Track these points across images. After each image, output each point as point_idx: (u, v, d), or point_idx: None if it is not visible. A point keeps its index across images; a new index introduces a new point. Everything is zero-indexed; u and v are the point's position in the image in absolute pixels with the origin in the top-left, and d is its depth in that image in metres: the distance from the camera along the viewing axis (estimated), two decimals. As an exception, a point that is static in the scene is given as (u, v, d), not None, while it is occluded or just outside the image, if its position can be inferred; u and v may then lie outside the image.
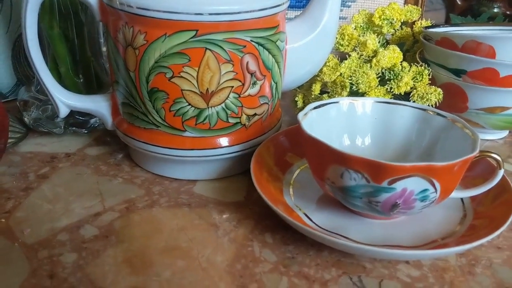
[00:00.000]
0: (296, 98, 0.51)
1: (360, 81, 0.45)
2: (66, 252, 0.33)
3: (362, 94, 0.46)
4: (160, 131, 0.39)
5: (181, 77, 0.36)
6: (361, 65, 0.46)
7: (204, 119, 0.38)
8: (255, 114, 0.40)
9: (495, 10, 0.86)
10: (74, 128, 0.48)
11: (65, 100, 0.41)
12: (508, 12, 0.87)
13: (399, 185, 0.30)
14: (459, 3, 0.89)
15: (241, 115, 0.39)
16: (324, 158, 0.32)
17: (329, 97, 0.47)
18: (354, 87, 0.45)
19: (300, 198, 0.38)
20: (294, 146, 0.42)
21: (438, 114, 0.38)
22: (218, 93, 0.37)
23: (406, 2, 0.65)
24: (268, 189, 0.37)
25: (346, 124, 0.40)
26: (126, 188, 0.40)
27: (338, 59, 0.47)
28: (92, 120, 0.49)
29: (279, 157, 0.41)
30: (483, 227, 0.33)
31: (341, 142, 0.40)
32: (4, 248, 0.33)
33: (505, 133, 0.53)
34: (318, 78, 0.48)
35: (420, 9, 0.53)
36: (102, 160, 0.45)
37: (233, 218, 0.37)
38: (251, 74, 0.38)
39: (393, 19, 0.51)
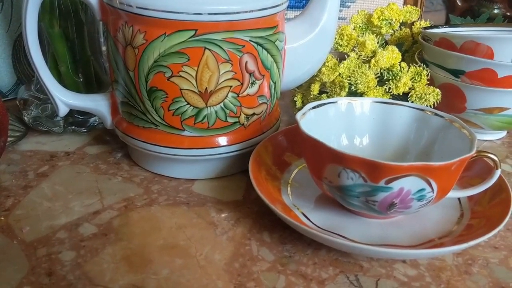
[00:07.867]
0: (295, 98, 0.51)
1: (359, 81, 0.45)
2: (65, 250, 0.33)
3: (361, 94, 0.46)
4: (159, 130, 0.39)
5: (180, 76, 0.36)
6: (360, 65, 0.46)
7: (203, 119, 0.38)
8: (253, 114, 0.40)
9: (496, 11, 0.86)
10: (73, 127, 0.48)
11: (65, 99, 0.41)
12: (508, 13, 0.87)
13: (396, 185, 0.30)
14: (459, 4, 0.90)
15: (240, 114, 0.39)
16: (321, 157, 0.32)
17: (328, 97, 0.47)
18: (352, 87, 0.46)
19: (298, 197, 0.38)
20: (292, 146, 0.43)
21: (436, 114, 0.38)
22: (217, 93, 0.37)
23: (405, 3, 0.65)
24: (267, 188, 0.37)
25: (344, 124, 0.40)
26: (125, 187, 0.41)
27: (337, 59, 0.47)
28: (92, 119, 0.49)
29: (278, 156, 0.41)
30: (480, 227, 0.34)
31: (339, 142, 0.40)
32: (3, 245, 0.33)
33: (503, 133, 0.53)
34: (317, 78, 0.48)
35: (419, 10, 0.54)
36: (101, 159, 0.45)
37: (232, 217, 0.37)
38: (250, 74, 0.38)
39: (392, 19, 0.51)
